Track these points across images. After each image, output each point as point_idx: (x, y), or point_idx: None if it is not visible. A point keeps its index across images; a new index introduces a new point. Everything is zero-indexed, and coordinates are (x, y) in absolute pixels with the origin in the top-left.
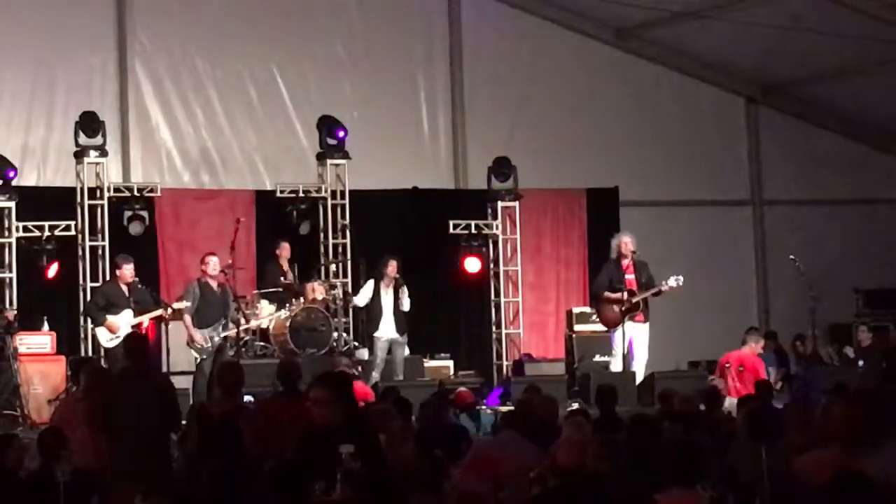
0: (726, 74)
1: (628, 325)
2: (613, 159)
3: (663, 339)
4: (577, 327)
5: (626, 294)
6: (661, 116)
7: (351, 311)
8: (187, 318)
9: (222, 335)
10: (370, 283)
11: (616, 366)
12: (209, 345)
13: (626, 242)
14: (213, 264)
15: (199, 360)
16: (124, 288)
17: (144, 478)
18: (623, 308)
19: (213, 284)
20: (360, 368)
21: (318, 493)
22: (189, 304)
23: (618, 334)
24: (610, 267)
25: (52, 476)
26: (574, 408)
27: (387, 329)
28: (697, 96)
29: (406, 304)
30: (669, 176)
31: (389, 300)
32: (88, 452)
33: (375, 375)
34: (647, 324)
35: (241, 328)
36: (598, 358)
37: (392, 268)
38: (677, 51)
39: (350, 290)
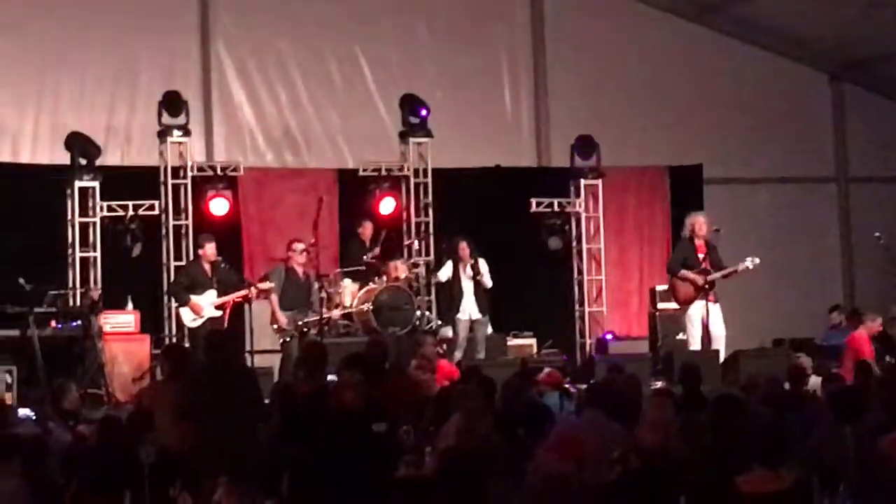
0: (809, 51)
1: (700, 305)
2: (696, 136)
3: (747, 317)
4: (660, 305)
5: (703, 273)
6: (745, 93)
7: (434, 289)
8: (273, 298)
9: (305, 320)
10: (449, 263)
11: (694, 344)
12: (292, 327)
13: (700, 223)
14: (300, 251)
15: (282, 341)
16: (207, 267)
17: (228, 463)
18: (700, 287)
19: (299, 270)
20: (444, 347)
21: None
22: (273, 284)
23: (693, 313)
24: (684, 246)
25: (137, 457)
26: (658, 387)
27: (468, 309)
28: (781, 73)
29: (487, 280)
30: (753, 153)
31: (469, 280)
32: (174, 435)
33: (458, 354)
34: (718, 304)
35: (324, 309)
36: (681, 336)
37: (463, 250)
38: (760, 27)
39: (433, 269)
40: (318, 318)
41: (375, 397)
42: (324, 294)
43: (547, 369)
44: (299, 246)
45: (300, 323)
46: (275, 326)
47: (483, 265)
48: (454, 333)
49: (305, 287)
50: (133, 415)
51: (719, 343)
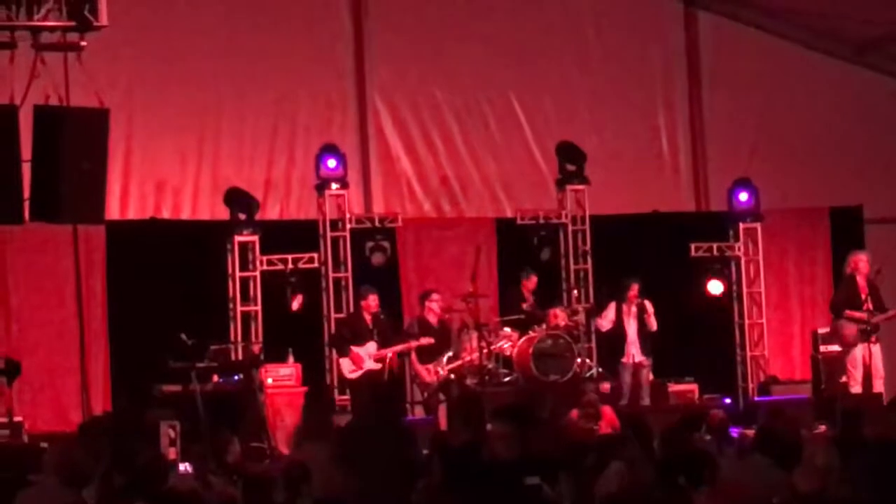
0: None
1: (863, 346)
2: (856, 177)
3: None
4: (822, 348)
5: (868, 314)
6: None
7: (594, 336)
8: (412, 355)
9: (447, 367)
10: (612, 307)
11: (857, 387)
12: (434, 378)
13: (860, 260)
14: (437, 302)
15: (425, 395)
16: (368, 319)
17: None
18: (864, 328)
19: (433, 320)
20: (603, 394)
21: None
22: (433, 340)
23: (856, 354)
24: (847, 284)
25: None
26: (819, 430)
27: (632, 353)
28: None
29: (653, 324)
30: None
31: (633, 323)
32: (332, 488)
33: (623, 401)
34: (879, 345)
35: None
36: (844, 379)
37: (634, 291)
38: None
39: (593, 315)
40: (460, 362)
41: (532, 450)
42: (483, 343)
43: (712, 411)
44: (436, 296)
45: (441, 371)
46: (415, 381)
47: (649, 307)
48: (616, 379)
49: (441, 336)
50: (290, 467)
51: (882, 385)
